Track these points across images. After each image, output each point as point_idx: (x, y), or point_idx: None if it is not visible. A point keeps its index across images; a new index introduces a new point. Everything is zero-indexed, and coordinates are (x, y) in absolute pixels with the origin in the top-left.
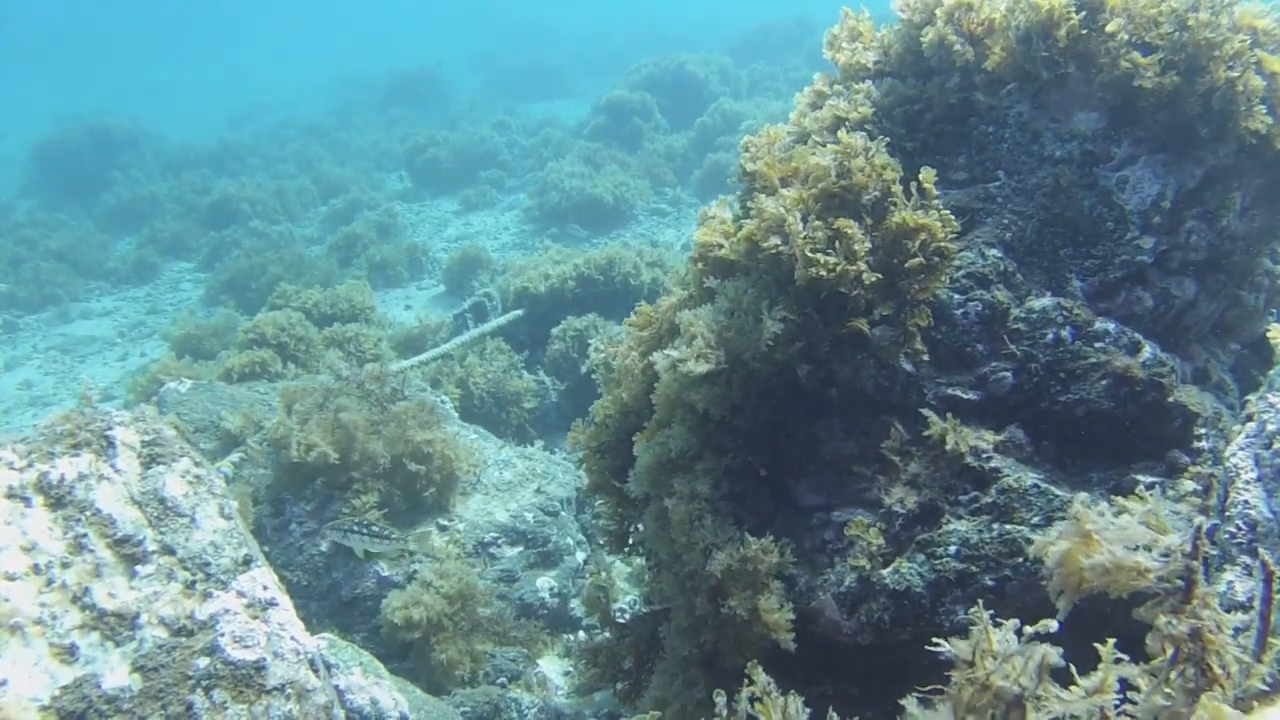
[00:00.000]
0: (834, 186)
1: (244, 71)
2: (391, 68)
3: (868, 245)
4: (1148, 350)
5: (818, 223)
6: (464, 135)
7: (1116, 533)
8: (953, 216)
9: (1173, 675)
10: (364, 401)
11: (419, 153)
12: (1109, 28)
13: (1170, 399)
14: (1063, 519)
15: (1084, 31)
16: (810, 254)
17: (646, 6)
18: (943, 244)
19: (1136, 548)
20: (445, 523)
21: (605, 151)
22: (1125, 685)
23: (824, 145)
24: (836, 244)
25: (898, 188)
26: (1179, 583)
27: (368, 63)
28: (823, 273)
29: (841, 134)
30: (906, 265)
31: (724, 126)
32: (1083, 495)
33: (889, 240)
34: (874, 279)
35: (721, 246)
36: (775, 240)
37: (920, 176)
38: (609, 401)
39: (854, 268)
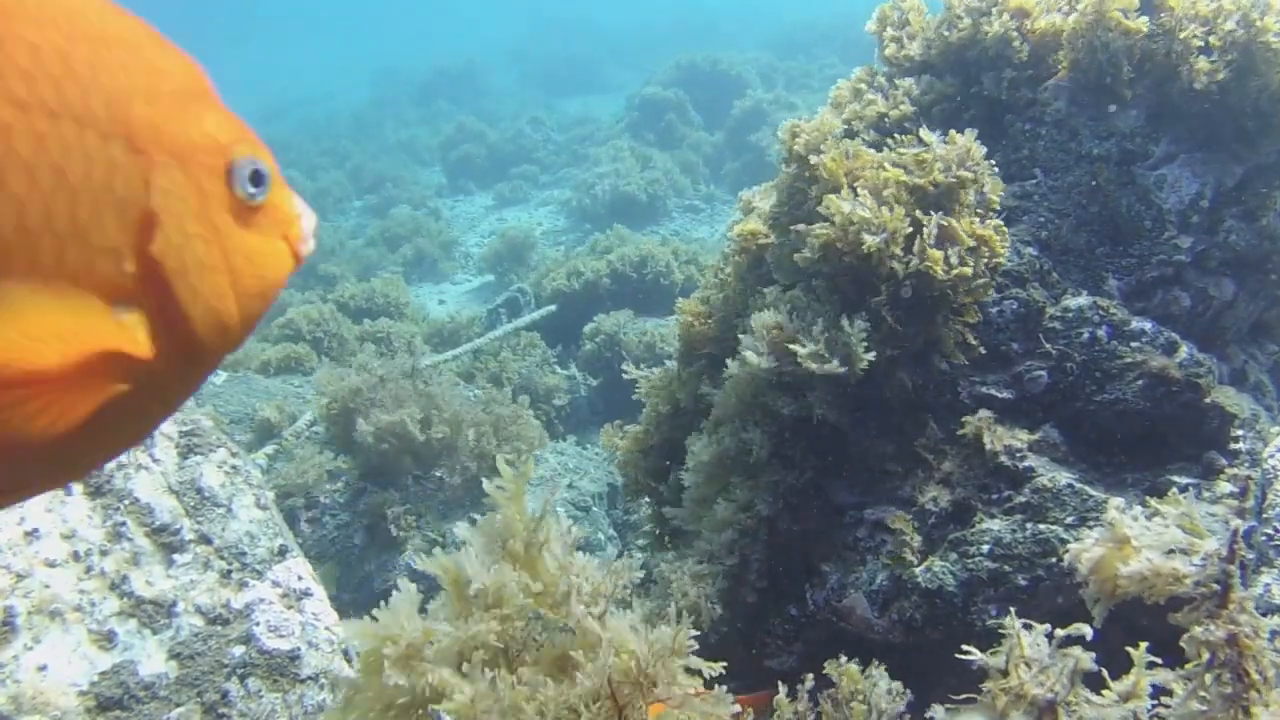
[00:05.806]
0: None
1: (269, 65)
2: (427, 63)
3: (972, 244)
4: (1185, 350)
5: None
6: (498, 130)
7: (1152, 538)
8: (1004, 226)
9: (1208, 679)
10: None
11: (453, 146)
12: (1183, 34)
13: (1207, 399)
14: (1097, 519)
15: (1153, 43)
16: (933, 254)
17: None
18: (1000, 258)
19: (1172, 552)
20: (477, 515)
21: (639, 148)
22: (1158, 690)
23: (878, 147)
24: (948, 247)
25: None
26: (1215, 587)
27: (400, 58)
28: (939, 271)
29: (924, 133)
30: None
31: (759, 121)
32: (1117, 500)
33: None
34: (983, 281)
35: (768, 236)
36: (870, 239)
37: (987, 188)
38: (655, 402)
39: (968, 270)
